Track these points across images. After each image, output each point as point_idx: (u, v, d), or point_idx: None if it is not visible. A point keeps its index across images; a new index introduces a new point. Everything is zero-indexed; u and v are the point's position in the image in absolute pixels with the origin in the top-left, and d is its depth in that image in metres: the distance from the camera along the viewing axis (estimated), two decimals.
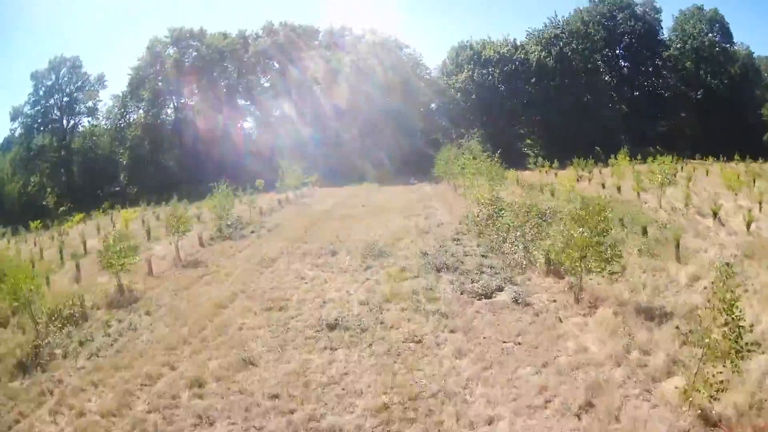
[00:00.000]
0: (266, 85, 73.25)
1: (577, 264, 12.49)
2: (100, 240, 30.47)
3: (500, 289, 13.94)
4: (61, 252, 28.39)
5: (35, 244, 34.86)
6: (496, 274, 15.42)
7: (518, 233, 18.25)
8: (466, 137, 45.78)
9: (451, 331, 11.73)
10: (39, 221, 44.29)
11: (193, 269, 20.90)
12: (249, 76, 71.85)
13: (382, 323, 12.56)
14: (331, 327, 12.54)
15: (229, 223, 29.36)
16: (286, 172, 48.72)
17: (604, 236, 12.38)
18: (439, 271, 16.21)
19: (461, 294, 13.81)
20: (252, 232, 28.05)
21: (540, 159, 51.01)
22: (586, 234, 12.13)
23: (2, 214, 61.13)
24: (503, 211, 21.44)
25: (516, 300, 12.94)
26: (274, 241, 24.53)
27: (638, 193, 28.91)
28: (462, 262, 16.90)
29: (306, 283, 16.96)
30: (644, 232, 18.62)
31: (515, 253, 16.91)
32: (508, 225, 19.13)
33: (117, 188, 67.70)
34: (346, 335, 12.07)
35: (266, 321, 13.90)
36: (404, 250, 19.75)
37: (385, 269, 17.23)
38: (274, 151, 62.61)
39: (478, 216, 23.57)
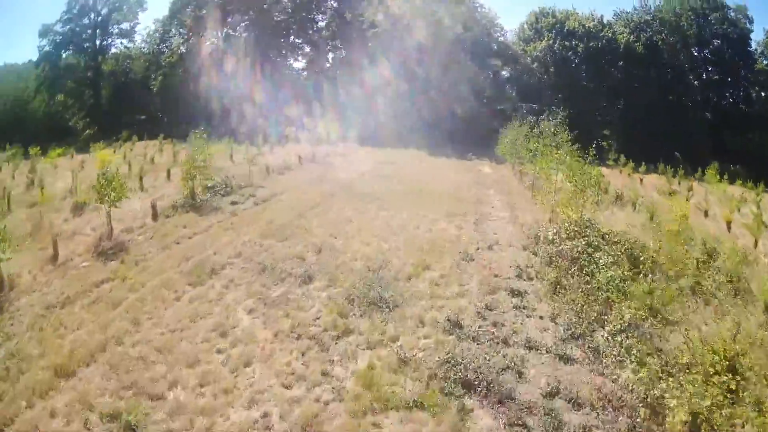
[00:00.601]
0: (321, 24, 64.08)
1: None
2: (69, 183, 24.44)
3: None
4: (8, 199, 22.03)
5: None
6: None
7: (627, 315, 9.71)
8: (546, 116, 34.49)
9: None
10: (38, 148, 39.08)
11: (105, 263, 13.84)
12: (303, 12, 62.12)
13: None
14: None
15: (210, 185, 21.78)
16: (320, 123, 40.95)
17: None
18: (469, 392, 7.88)
19: None
20: (233, 203, 20.42)
21: (622, 157, 41.01)
22: None
23: (25, 134, 55.94)
24: (599, 254, 12.81)
25: None
26: (245, 228, 16.84)
27: (756, 241, 18.60)
28: (520, 374, 8.35)
29: (220, 352, 9.09)
30: None
31: (622, 362, 8.38)
32: (611, 295, 10.56)
33: (143, 117, 61.47)
34: None
35: None
36: (425, 299, 11.34)
37: (369, 352, 9.06)
38: (320, 98, 54.65)
39: (554, 240, 14.95)
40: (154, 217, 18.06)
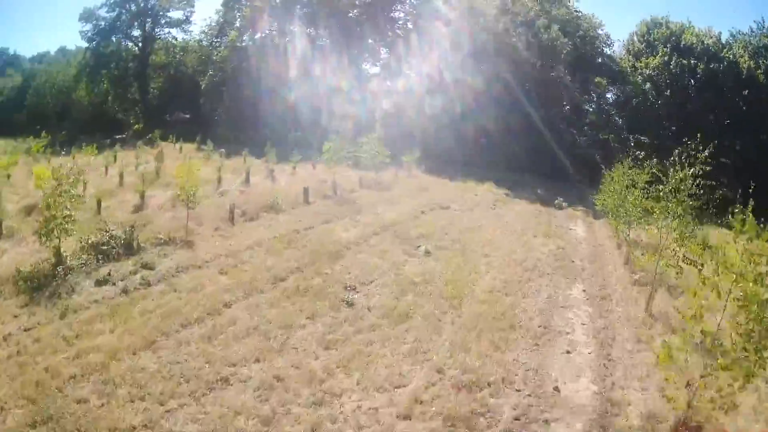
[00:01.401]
0: (399, 24, 54.58)
1: None
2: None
3: None
4: None
5: None
6: None
7: None
8: (680, 157, 21.29)
9: None
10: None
11: None
12: (379, 6, 52.45)
13: None
14: None
15: (95, 240, 13.36)
16: (378, 141, 32.17)
17: None
18: None
19: None
20: (101, 282, 11.77)
21: (750, 215, 27.67)
22: None
23: (70, 123, 54.35)
24: None
25: None
26: (36, 360, 7.91)
27: None
28: None
29: None
30: None
31: None
32: None
33: (187, 115, 55.68)
34: None
35: None
36: None
37: None
38: (388, 111, 45.74)
39: None
40: None
